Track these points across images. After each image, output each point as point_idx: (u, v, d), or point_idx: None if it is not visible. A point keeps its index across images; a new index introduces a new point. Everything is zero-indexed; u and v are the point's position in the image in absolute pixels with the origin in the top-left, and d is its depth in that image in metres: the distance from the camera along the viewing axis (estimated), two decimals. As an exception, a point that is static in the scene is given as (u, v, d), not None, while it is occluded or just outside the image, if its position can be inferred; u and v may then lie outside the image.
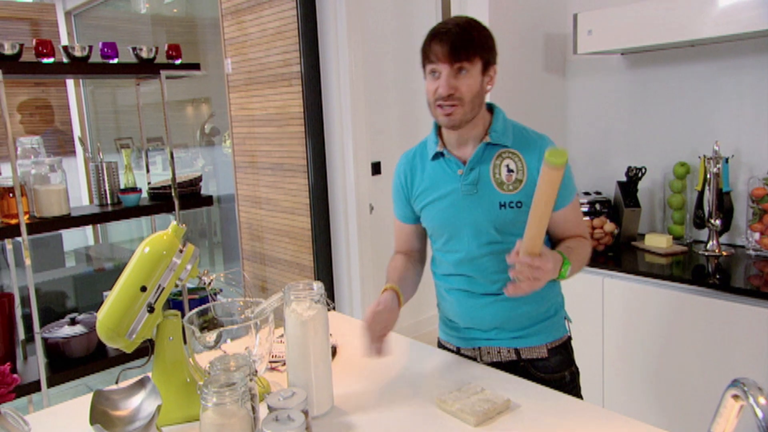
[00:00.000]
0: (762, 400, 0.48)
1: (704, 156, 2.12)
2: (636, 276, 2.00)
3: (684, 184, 2.27)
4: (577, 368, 1.38)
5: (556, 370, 1.33)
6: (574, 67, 2.62)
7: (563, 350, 1.35)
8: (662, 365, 1.96)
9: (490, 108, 1.31)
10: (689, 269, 2.02)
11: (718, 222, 2.09)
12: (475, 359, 1.35)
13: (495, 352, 1.33)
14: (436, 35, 1.20)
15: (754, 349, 1.74)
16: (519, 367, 1.32)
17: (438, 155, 1.31)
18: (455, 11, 2.39)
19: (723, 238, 2.18)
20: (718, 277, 1.93)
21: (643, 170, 2.31)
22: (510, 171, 1.24)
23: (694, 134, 2.28)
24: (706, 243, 2.15)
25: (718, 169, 2.07)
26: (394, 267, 1.39)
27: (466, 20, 1.22)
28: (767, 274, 1.92)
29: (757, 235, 2.07)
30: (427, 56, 1.22)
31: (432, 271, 1.43)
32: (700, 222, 2.16)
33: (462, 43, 1.17)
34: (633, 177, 2.31)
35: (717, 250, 2.11)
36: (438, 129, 1.33)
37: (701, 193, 2.14)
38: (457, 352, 1.39)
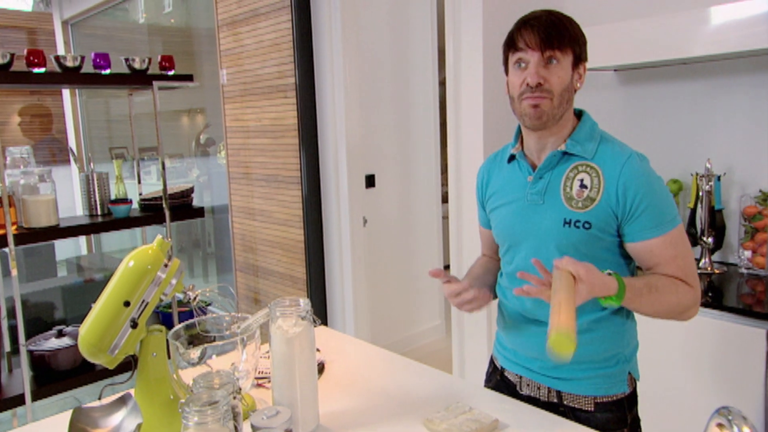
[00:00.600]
0: (746, 430, 0.47)
1: (696, 173, 2.12)
2: (628, 293, 1.99)
3: (677, 201, 2.27)
4: (634, 430, 1.19)
5: (601, 427, 1.15)
6: (567, 83, 2.63)
7: (615, 409, 1.16)
8: (653, 384, 1.95)
9: (579, 115, 1.19)
10: (682, 286, 2.02)
11: (710, 240, 2.09)
12: (515, 386, 1.26)
13: (534, 387, 1.22)
14: (526, 22, 1.12)
15: (747, 369, 1.73)
16: (558, 412, 1.17)
17: (512, 158, 1.22)
18: (449, 26, 2.40)
19: (715, 256, 2.17)
20: (710, 295, 1.92)
21: (636, 186, 2.31)
22: (583, 186, 1.11)
23: (686, 152, 2.29)
24: (699, 260, 2.14)
25: (710, 186, 2.07)
26: (472, 267, 1.37)
27: (557, 12, 1.14)
28: (759, 293, 1.91)
29: (749, 253, 2.07)
30: (514, 44, 1.12)
31: (496, 286, 1.34)
32: (692, 239, 2.16)
33: (554, 31, 1.09)
34: (626, 193, 2.31)
35: (709, 268, 2.10)
36: (519, 131, 1.23)
37: (694, 211, 2.14)
38: (501, 372, 1.31)
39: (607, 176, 1.10)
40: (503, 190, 1.24)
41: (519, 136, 1.23)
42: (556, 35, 1.09)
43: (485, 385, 1.36)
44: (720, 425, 0.49)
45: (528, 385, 1.23)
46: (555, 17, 1.12)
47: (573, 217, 1.11)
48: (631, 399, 1.21)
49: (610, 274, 1.04)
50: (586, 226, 1.10)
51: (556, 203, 1.13)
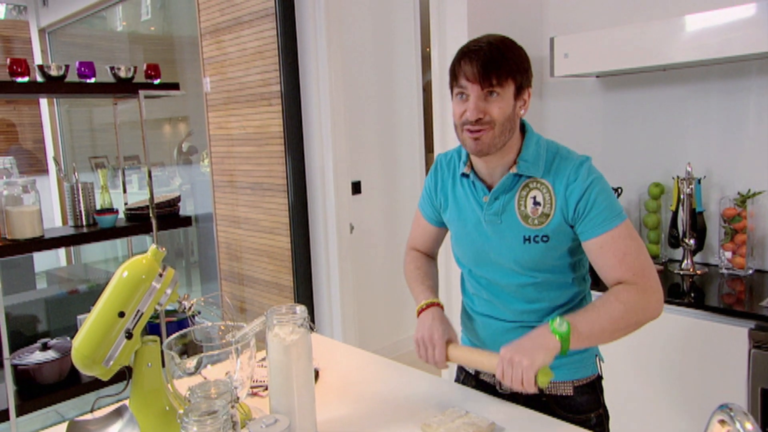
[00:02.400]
0: (749, 426, 0.49)
1: (678, 177, 2.17)
2: (614, 295, 2.03)
3: (659, 204, 2.32)
4: (605, 411, 1.29)
5: (581, 410, 1.24)
6: (550, 89, 2.68)
7: (590, 390, 1.26)
8: (637, 383, 1.98)
9: (523, 129, 1.21)
10: (665, 288, 2.06)
11: (692, 241, 2.14)
12: (494, 386, 1.30)
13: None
14: (465, 54, 1.11)
15: (727, 366, 1.77)
16: (540, 402, 1.25)
17: (466, 175, 1.24)
18: (435, 35, 2.42)
19: (697, 257, 2.22)
20: (692, 295, 1.96)
21: (619, 190, 2.36)
22: (536, 204, 1.16)
23: (667, 155, 2.34)
24: (681, 262, 2.19)
25: (691, 189, 2.12)
26: (426, 273, 1.35)
27: (500, 39, 1.13)
28: (740, 293, 1.96)
29: (729, 254, 2.12)
30: (455, 76, 1.13)
31: (461, 287, 1.38)
32: (674, 241, 2.21)
33: (494, 64, 1.08)
34: (609, 197, 2.35)
35: (691, 269, 2.15)
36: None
37: (675, 213, 2.18)
38: (476, 377, 1.34)
39: (556, 190, 1.15)
40: (460, 207, 1.26)
41: (468, 156, 1.24)
42: (494, 69, 1.08)
43: None
44: (722, 422, 0.51)
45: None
46: (495, 49, 1.10)
47: (531, 233, 1.16)
48: (600, 383, 1.30)
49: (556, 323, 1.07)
50: (545, 239, 1.16)
51: (513, 222, 1.18)
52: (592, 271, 1.27)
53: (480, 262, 1.25)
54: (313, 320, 3.07)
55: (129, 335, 1.04)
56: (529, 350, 1.03)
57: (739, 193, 2.11)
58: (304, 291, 3.03)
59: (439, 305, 1.25)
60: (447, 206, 1.30)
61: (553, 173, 1.16)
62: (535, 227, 1.16)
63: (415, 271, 1.37)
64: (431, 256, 1.45)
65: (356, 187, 3.34)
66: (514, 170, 1.17)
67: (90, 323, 1.04)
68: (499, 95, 1.10)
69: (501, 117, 1.11)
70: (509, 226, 1.18)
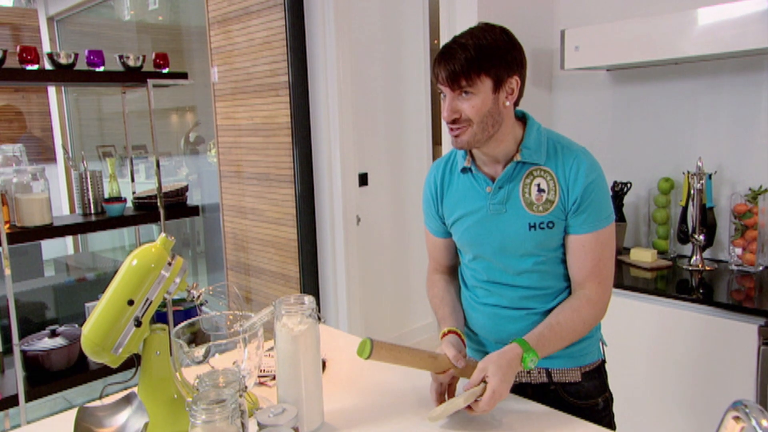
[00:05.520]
0: (765, 423, 0.48)
1: (688, 172, 2.16)
2: (621, 290, 2.02)
3: (668, 199, 2.31)
4: (610, 394, 1.31)
5: (589, 396, 1.26)
6: (560, 82, 2.66)
7: (597, 375, 1.28)
8: (646, 379, 1.97)
9: (524, 118, 1.23)
10: (673, 284, 2.05)
11: (701, 237, 2.13)
12: None
13: (524, 372, 1.26)
14: (439, 57, 1.13)
15: (737, 362, 1.76)
16: (549, 390, 1.26)
17: (466, 170, 1.25)
18: (444, 26, 2.41)
19: (706, 253, 2.21)
20: (701, 291, 1.95)
21: (629, 185, 2.34)
22: (541, 191, 1.17)
23: (677, 150, 2.32)
24: (690, 258, 2.18)
25: (702, 185, 2.11)
26: (442, 299, 1.34)
27: (476, 35, 1.11)
28: (750, 289, 1.95)
29: (739, 250, 2.10)
30: (435, 77, 1.16)
31: (461, 281, 1.37)
32: (684, 237, 2.19)
33: (462, 67, 1.08)
34: (618, 192, 2.34)
35: (700, 265, 2.14)
36: None
37: (685, 209, 2.17)
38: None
39: (559, 178, 1.17)
40: (463, 201, 1.25)
41: (468, 150, 1.25)
42: (464, 72, 1.09)
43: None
44: (737, 418, 0.51)
45: (518, 372, 1.26)
46: (466, 50, 1.09)
47: (537, 220, 1.18)
48: (604, 367, 1.32)
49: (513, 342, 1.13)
50: (550, 225, 1.18)
51: (518, 210, 1.19)
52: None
53: (483, 252, 1.24)
54: (318, 311, 3.08)
55: (138, 323, 1.05)
56: (509, 380, 1.08)
57: (750, 189, 2.09)
58: (310, 282, 3.04)
59: (451, 332, 1.24)
60: (451, 204, 1.29)
61: (556, 161, 1.18)
62: (541, 214, 1.17)
63: (433, 299, 1.37)
64: (453, 273, 1.41)
65: (363, 179, 3.33)
66: (517, 158, 1.18)
67: (99, 311, 1.04)
68: (473, 94, 1.11)
69: (476, 115, 1.12)
70: (514, 214, 1.19)
